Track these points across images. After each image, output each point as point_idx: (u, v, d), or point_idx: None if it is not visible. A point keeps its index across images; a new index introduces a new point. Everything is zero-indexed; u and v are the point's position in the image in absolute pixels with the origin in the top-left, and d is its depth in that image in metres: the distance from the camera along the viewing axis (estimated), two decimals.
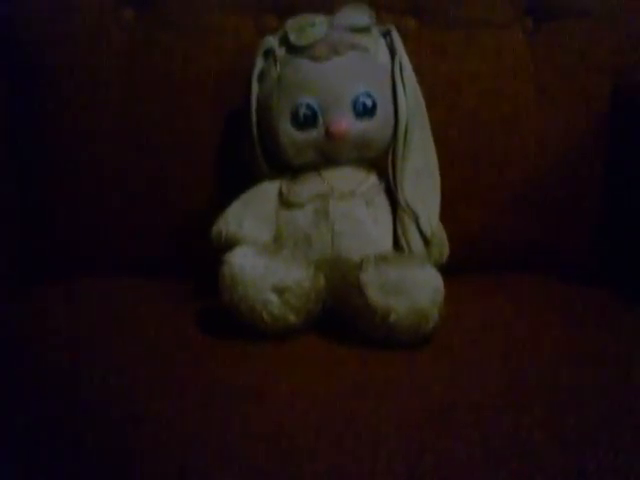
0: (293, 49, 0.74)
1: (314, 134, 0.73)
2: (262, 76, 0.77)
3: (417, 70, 0.78)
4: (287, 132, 0.74)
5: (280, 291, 0.66)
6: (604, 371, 0.63)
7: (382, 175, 0.77)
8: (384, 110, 0.75)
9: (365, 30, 0.75)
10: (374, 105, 0.74)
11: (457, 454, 0.52)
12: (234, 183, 0.79)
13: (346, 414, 0.55)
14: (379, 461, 0.51)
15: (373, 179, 0.77)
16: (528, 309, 0.77)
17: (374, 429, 0.54)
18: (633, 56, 0.90)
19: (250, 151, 0.78)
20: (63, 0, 0.91)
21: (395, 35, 0.77)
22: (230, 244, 0.72)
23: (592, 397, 0.59)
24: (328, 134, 0.72)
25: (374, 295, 0.64)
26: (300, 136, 0.73)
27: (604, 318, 0.76)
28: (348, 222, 0.73)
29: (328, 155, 0.75)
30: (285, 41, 0.75)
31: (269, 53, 0.76)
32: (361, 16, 0.75)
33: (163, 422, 0.55)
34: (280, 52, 0.75)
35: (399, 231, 0.75)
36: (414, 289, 0.64)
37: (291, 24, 0.75)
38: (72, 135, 0.90)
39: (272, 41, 0.76)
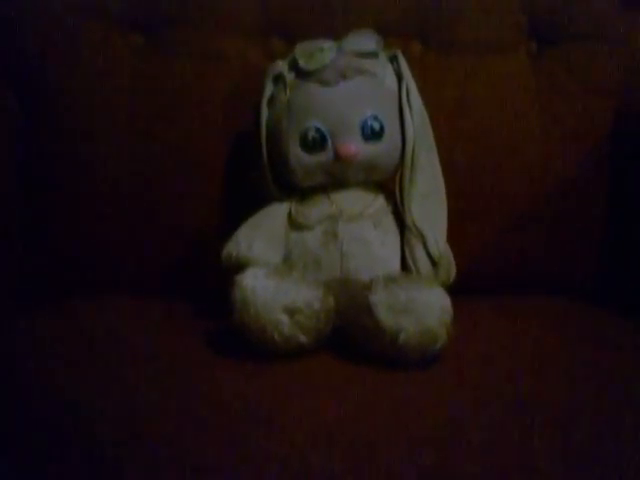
0: (302, 74, 0.75)
1: (323, 157, 0.74)
2: (271, 100, 0.78)
3: (423, 94, 0.79)
4: (296, 155, 0.75)
5: (291, 312, 0.66)
6: (613, 391, 0.63)
7: (390, 197, 0.78)
8: (391, 133, 0.76)
9: (373, 55, 0.76)
10: (382, 128, 0.75)
11: (467, 474, 0.52)
12: (243, 205, 0.80)
13: (357, 434, 0.55)
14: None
15: (381, 201, 0.78)
16: (535, 329, 0.78)
17: (385, 449, 0.54)
18: (636, 79, 0.92)
19: (260, 174, 0.79)
20: (73, 25, 0.92)
21: (402, 60, 0.79)
22: (240, 265, 0.73)
23: (601, 417, 0.59)
24: (337, 157, 0.73)
25: (383, 315, 0.65)
26: (309, 159, 0.74)
27: (612, 337, 0.77)
28: (356, 243, 0.74)
29: (337, 177, 0.76)
30: (294, 66, 0.76)
31: (279, 78, 0.77)
32: (369, 41, 0.76)
33: (172, 444, 0.55)
34: (290, 77, 0.76)
35: (407, 252, 0.76)
36: (423, 309, 0.65)
37: (300, 49, 0.76)
38: (79, 158, 0.90)
39: (282, 66, 0.77)
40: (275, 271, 0.69)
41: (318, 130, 0.73)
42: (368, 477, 0.52)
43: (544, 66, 0.94)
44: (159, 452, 0.55)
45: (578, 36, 0.94)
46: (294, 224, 0.77)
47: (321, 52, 0.75)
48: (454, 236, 0.79)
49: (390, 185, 0.78)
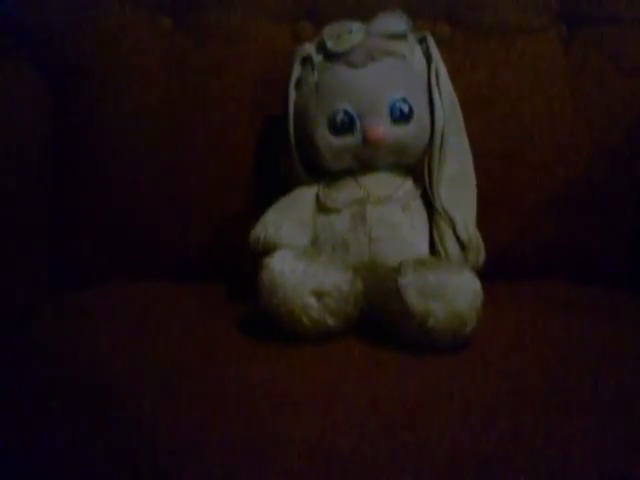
0: (330, 56, 0.74)
1: (351, 140, 0.74)
2: (299, 83, 0.77)
3: (452, 76, 0.78)
4: (325, 138, 0.74)
5: (319, 295, 0.66)
6: None
7: (418, 180, 0.78)
8: (420, 116, 0.75)
9: (401, 37, 0.76)
10: (411, 111, 0.74)
11: (498, 459, 0.52)
12: (271, 189, 0.80)
13: (386, 418, 0.55)
14: (423, 466, 0.51)
15: (409, 184, 0.77)
16: (564, 315, 0.77)
17: (414, 434, 0.54)
18: None
19: (287, 157, 0.79)
20: (101, 10, 0.92)
21: (431, 41, 0.78)
22: (268, 249, 0.73)
23: (633, 402, 0.58)
24: (365, 140, 0.73)
25: (413, 299, 0.64)
26: (337, 142, 0.74)
27: None
28: (385, 227, 0.74)
29: (365, 160, 0.75)
30: (322, 48, 0.75)
31: (306, 60, 0.76)
32: (397, 23, 0.76)
33: (201, 427, 0.55)
34: (317, 59, 0.75)
35: (435, 236, 0.76)
36: (453, 293, 0.64)
37: (328, 31, 0.75)
38: (107, 143, 0.91)
39: (309, 48, 0.76)
40: (304, 253, 0.69)
41: (346, 112, 0.73)
42: (397, 462, 0.52)
43: (575, 49, 0.92)
44: (188, 435, 0.55)
45: (609, 18, 0.92)
46: (322, 208, 0.76)
47: (349, 34, 0.74)
48: (484, 220, 0.78)
49: (419, 168, 0.77)
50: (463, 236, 0.75)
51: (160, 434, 0.55)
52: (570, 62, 0.92)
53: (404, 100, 0.74)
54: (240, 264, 0.76)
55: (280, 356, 0.65)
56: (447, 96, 0.77)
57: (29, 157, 0.87)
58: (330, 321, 0.67)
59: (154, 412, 0.57)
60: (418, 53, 0.77)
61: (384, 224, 0.74)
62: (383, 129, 0.73)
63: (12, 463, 0.58)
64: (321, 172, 0.78)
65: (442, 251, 0.75)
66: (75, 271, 0.90)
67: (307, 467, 0.51)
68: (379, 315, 0.69)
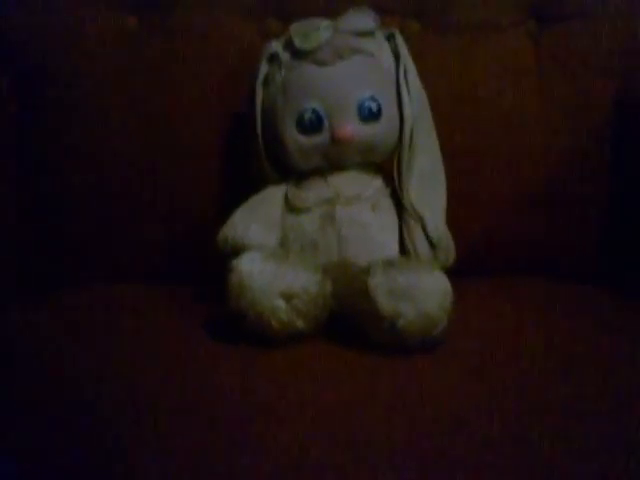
0: (298, 54, 0.73)
1: (320, 139, 0.73)
2: (267, 81, 0.76)
3: (421, 73, 0.77)
4: (292, 137, 0.73)
5: (288, 297, 0.66)
6: (617, 375, 0.62)
7: (388, 179, 0.77)
8: (389, 114, 0.74)
9: (369, 34, 0.75)
10: (379, 109, 0.73)
11: (469, 463, 0.51)
12: (239, 189, 0.79)
13: (357, 422, 0.55)
14: (392, 470, 0.51)
15: (378, 183, 0.76)
16: (536, 312, 0.77)
17: (385, 437, 0.53)
18: (637, 58, 0.90)
19: (255, 156, 0.78)
20: (65, 8, 0.91)
21: (399, 38, 0.77)
22: (236, 250, 0.72)
23: (605, 403, 0.58)
24: (334, 139, 0.72)
25: (382, 300, 0.64)
26: (306, 141, 0.73)
27: (613, 320, 0.76)
28: (354, 227, 0.73)
29: (334, 160, 0.75)
30: (289, 46, 0.74)
31: (274, 58, 0.75)
32: (365, 20, 0.75)
33: (168, 431, 0.54)
34: (285, 57, 0.74)
35: (405, 235, 0.75)
36: (422, 294, 0.64)
37: (295, 28, 0.74)
38: (73, 143, 0.89)
39: (277, 46, 0.75)
40: (272, 255, 0.69)
41: (314, 111, 0.72)
42: (368, 465, 0.51)
43: (544, 45, 0.92)
44: (155, 439, 0.54)
45: (579, 14, 0.92)
46: (291, 207, 0.75)
47: (317, 31, 0.73)
48: (454, 219, 0.78)
49: (388, 167, 0.77)
50: (433, 235, 0.74)
51: (126, 438, 0.54)
52: (540, 59, 0.91)
53: (373, 98, 0.73)
54: (208, 265, 0.75)
55: (249, 359, 0.64)
56: (416, 94, 0.76)
57: None
58: (299, 323, 0.66)
59: (119, 417, 0.57)
60: (386, 50, 0.77)
61: (353, 223, 0.73)
62: (351, 128, 0.72)
63: None
64: (290, 171, 0.77)
65: (412, 250, 0.74)
66: (41, 274, 0.89)
67: (278, 470, 0.51)
68: (349, 316, 0.68)
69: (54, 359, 0.66)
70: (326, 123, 0.72)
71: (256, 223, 0.75)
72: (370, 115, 0.73)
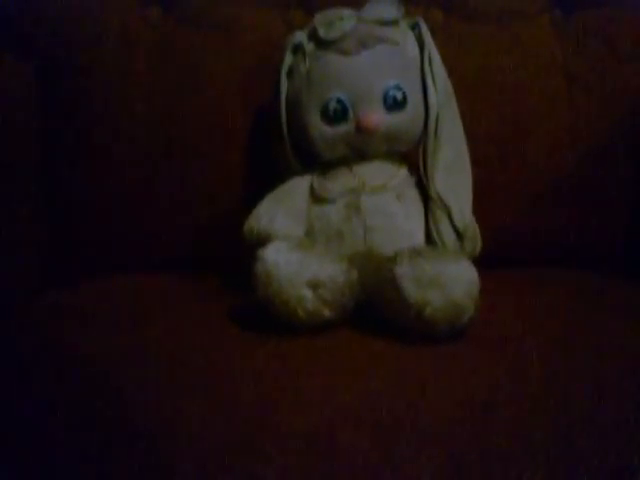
0: (322, 44, 0.73)
1: (345, 128, 0.73)
2: (291, 71, 0.76)
3: (445, 62, 0.77)
4: (317, 127, 0.73)
5: (314, 286, 0.66)
6: None
7: (413, 168, 0.77)
8: (414, 103, 0.74)
9: (393, 23, 0.75)
10: (404, 98, 0.73)
11: (500, 449, 0.51)
12: (265, 180, 0.79)
13: (384, 410, 0.54)
14: (421, 457, 0.51)
15: (404, 173, 0.76)
16: (563, 301, 0.77)
17: (413, 424, 0.53)
18: None
19: (280, 147, 0.78)
20: (88, 0, 0.91)
21: (423, 27, 0.77)
22: (262, 240, 0.72)
23: (635, 394, 0.58)
24: (359, 128, 0.72)
25: (409, 289, 0.64)
26: (330, 131, 0.73)
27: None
28: (380, 216, 0.73)
29: (359, 149, 0.74)
30: (314, 36, 0.74)
31: (298, 48, 0.75)
32: (389, 9, 0.74)
33: (197, 421, 0.55)
34: (309, 47, 0.74)
35: (431, 225, 0.75)
36: (449, 282, 0.63)
37: (320, 18, 0.74)
38: (100, 134, 0.90)
39: (301, 36, 0.75)
40: (298, 244, 0.69)
41: (339, 101, 0.72)
42: (395, 454, 0.51)
43: (569, 33, 0.92)
44: (185, 428, 0.54)
45: (602, 2, 0.92)
46: (316, 198, 0.75)
47: (340, 21, 0.73)
48: (480, 207, 0.77)
49: (414, 156, 0.77)
50: (459, 224, 0.74)
51: (155, 427, 0.55)
52: (565, 47, 0.91)
53: (397, 87, 0.73)
54: (235, 255, 0.75)
55: (276, 348, 0.64)
56: (441, 82, 0.76)
57: (17, 153, 0.86)
58: (326, 312, 0.66)
59: (149, 405, 0.57)
60: (411, 39, 0.76)
61: (379, 213, 0.73)
62: (377, 117, 0.72)
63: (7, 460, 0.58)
64: (315, 162, 0.77)
65: (438, 240, 0.74)
66: (68, 266, 0.90)
67: (305, 460, 0.51)
68: (375, 305, 0.68)
69: (79, 346, 0.67)
70: (351, 113, 0.72)
71: (282, 214, 0.75)
72: (395, 104, 0.73)
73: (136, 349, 0.66)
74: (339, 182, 0.75)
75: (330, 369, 0.61)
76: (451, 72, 0.78)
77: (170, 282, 0.84)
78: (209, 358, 0.64)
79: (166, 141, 0.90)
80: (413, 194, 0.76)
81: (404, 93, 0.73)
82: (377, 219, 0.73)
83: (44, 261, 0.89)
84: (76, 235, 0.90)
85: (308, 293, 0.66)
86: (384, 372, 0.60)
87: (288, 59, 0.76)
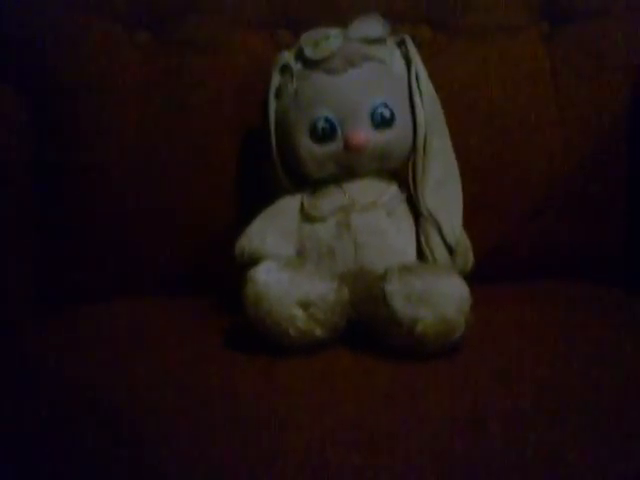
0: (309, 63, 0.74)
1: (333, 147, 0.73)
2: (279, 92, 0.76)
3: (433, 78, 0.77)
4: (306, 146, 0.73)
5: (305, 305, 0.65)
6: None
7: (403, 185, 0.77)
8: (402, 120, 0.74)
9: (380, 41, 0.75)
10: (392, 116, 0.73)
11: (488, 466, 0.51)
12: (255, 200, 0.79)
13: (376, 428, 0.54)
14: (412, 474, 0.50)
15: (394, 189, 0.76)
16: (557, 316, 0.76)
17: (405, 444, 0.53)
18: None
19: (270, 167, 0.78)
20: (77, 25, 0.91)
21: (410, 44, 0.77)
22: (253, 260, 0.72)
23: (629, 409, 0.57)
24: (347, 146, 0.72)
25: (400, 306, 0.63)
26: (319, 150, 0.73)
27: (637, 323, 0.75)
28: (370, 233, 0.73)
29: (348, 167, 0.75)
30: (301, 56, 0.74)
31: (285, 68, 0.76)
32: (375, 27, 0.75)
33: (188, 442, 0.54)
34: (296, 67, 0.75)
35: (422, 241, 0.74)
36: (440, 299, 0.63)
37: (306, 38, 0.74)
38: (87, 157, 0.90)
39: (288, 56, 0.76)
40: (288, 264, 0.69)
41: (327, 120, 0.72)
42: (388, 472, 0.51)
43: (557, 47, 0.92)
44: (175, 451, 0.54)
45: (590, 14, 0.92)
46: (307, 216, 0.75)
47: (327, 40, 0.73)
48: (471, 223, 0.77)
49: (403, 173, 0.77)
50: (450, 240, 0.74)
51: (146, 450, 0.54)
52: (553, 60, 0.91)
53: (385, 105, 0.73)
54: (227, 277, 0.75)
55: (268, 368, 0.64)
56: (428, 99, 0.76)
57: (12, 173, 0.86)
58: (317, 331, 0.66)
59: (140, 429, 0.57)
60: (397, 57, 0.77)
61: (370, 231, 0.73)
62: (365, 135, 0.72)
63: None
64: (305, 181, 0.77)
65: (429, 256, 0.74)
66: (58, 289, 0.89)
67: (296, 474, 0.51)
68: (367, 323, 0.68)
69: (71, 373, 0.66)
70: (339, 131, 0.72)
71: (272, 233, 0.75)
72: (383, 122, 0.73)
73: (125, 374, 0.65)
74: (329, 200, 0.75)
75: (321, 388, 0.60)
76: (439, 88, 0.78)
77: (161, 306, 0.83)
78: (199, 378, 0.63)
79: (156, 163, 0.90)
80: (403, 210, 0.76)
81: (392, 111, 0.73)
82: (368, 236, 0.72)
83: (31, 287, 0.89)
84: (63, 260, 0.90)
85: (299, 312, 0.65)
86: (376, 390, 0.60)
87: (276, 79, 0.77)
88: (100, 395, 0.62)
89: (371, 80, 0.74)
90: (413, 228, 0.75)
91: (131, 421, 0.58)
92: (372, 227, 0.73)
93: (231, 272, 0.73)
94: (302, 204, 0.76)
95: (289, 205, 0.77)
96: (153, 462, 0.53)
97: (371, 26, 0.75)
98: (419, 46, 0.78)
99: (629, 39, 0.90)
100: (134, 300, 0.85)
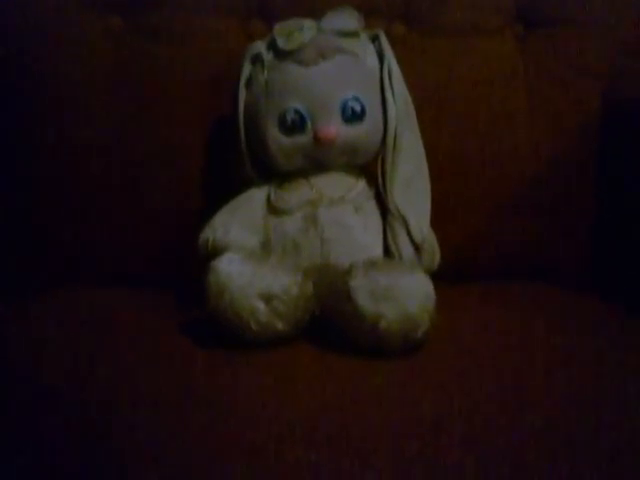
0: (281, 54, 0.73)
1: (302, 140, 0.72)
2: (250, 82, 0.76)
3: (406, 76, 0.77)
4: (275, 138, 0.73)
5: (267, 298, 0.65)
6: (602, 380, 0.61)
7: (372, 181, 0.76)
8: (373, 115, 0.74)
9: (353, 34, 0.74)
10: (363, 110, 0.73)
11: (448, 466, 0.51)
12: (221, 190, 0.78)
13: (335, 425, 0.54)
14: (369, 472, 0.50)
15: (362, 185, 0.76)
16: (522, 317, 0.76)
17: (364, 440, 0.52)
18: (622, 61, 0.90)
19: (238, 158, 0.77)
20: (49, 9, 0.90)
21: (383, 39, 0.77)
22: (217, 252, 0.71)
23: (588, 408, 0.57)
24: (316, 139, 0.71)
25: (363, 301, 0.63)
26: (288, 142, 0.72)
27: (601, 325, 0.75)
28: (337, 229, 0.72)
29: (317, 161, 0.74)
30: (273, 46, 0.73)
31: (257, 58, 0.75)
32: (349, 20, 0.74)
33: (143, 434, 0.54)
34: (268, 57, 0.74)
35: (389, 237, 0.74)
36: (404, 295, 0.63)
37: (279, 28, 0.73)
38: (57, 144, 0.88)
39: (260, 46, 0.75)
40: (252, 256, 0.68)
41: (297, 112, 0.71)
42: (346, 469, 0.50)
43: (531, 49, 0.92)
44: (128, 441, 0.54)
45: (565, 18, 0.92)
46: (273, 209, 0.75)
47: (300, 31, 0.72)
48: (438, 221, 0.77)
49: (372, 169, 0.76)
50: (417, 237, 0.74)
51: (103, 441, 0.54)
52: (526, 62, 0.91)
53: (356, 99, 0.72)
54: (190, 267, 0.74)
55: (227, 362, 0.63)
56: (400, 95, 0.75)
57: None
58: (279, 325, 0.65)
59: (97, 416, 0.56)
60: (371, 51, 0.76)
61: (336, 225, 0.72)
62: (334, 129, 0.71)
63: None
64: (272, 173, 0.76)
65: (396, 253, 0.74)
66: (18, 278, 0.88)
67: (251, 476, 0.50)
68: (331, 319, 0.67)
69: (35, 362, 0.66)
70: (309, 123, 0.72)
71: (237, 225, 0.74)
72: (353, 116, 0.72)
73: (84, 363, 0.64)
74: (296, 194, 0.74)
75: (282, 383, 0.60)
76: (412, 85, 0.77)
77: (122, 296, 0.82)
78: (159, 372, 0.63)
79: (122, 152, 0.89)
80: (371, 207, 0.75)
81: (362, 105, 0.73)
82: (334, 231, 0.72)
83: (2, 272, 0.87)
84: (24, 249, 0.89)
85: (261, 305, 0.64)
86: (336, 386, 0.59)
87: (247, 69, 0.76)
88: (53, 383, 0.61)
89: (343, 73, 0.73)
90: (380, 224, 0.75)
91: (85, 410, 0.57)
92: (339, 222, 0.72)
93: (194, 264, 0.72)
94: (269, 196, 0.75)
95: (255, 197, 0.76)
96: (115, 457, 0.53)
97: (345, 19, 0.74)
98: (393, 43, 0.77)
99: (601, 44, 0.90)
100: (93, 291, 0.83)
